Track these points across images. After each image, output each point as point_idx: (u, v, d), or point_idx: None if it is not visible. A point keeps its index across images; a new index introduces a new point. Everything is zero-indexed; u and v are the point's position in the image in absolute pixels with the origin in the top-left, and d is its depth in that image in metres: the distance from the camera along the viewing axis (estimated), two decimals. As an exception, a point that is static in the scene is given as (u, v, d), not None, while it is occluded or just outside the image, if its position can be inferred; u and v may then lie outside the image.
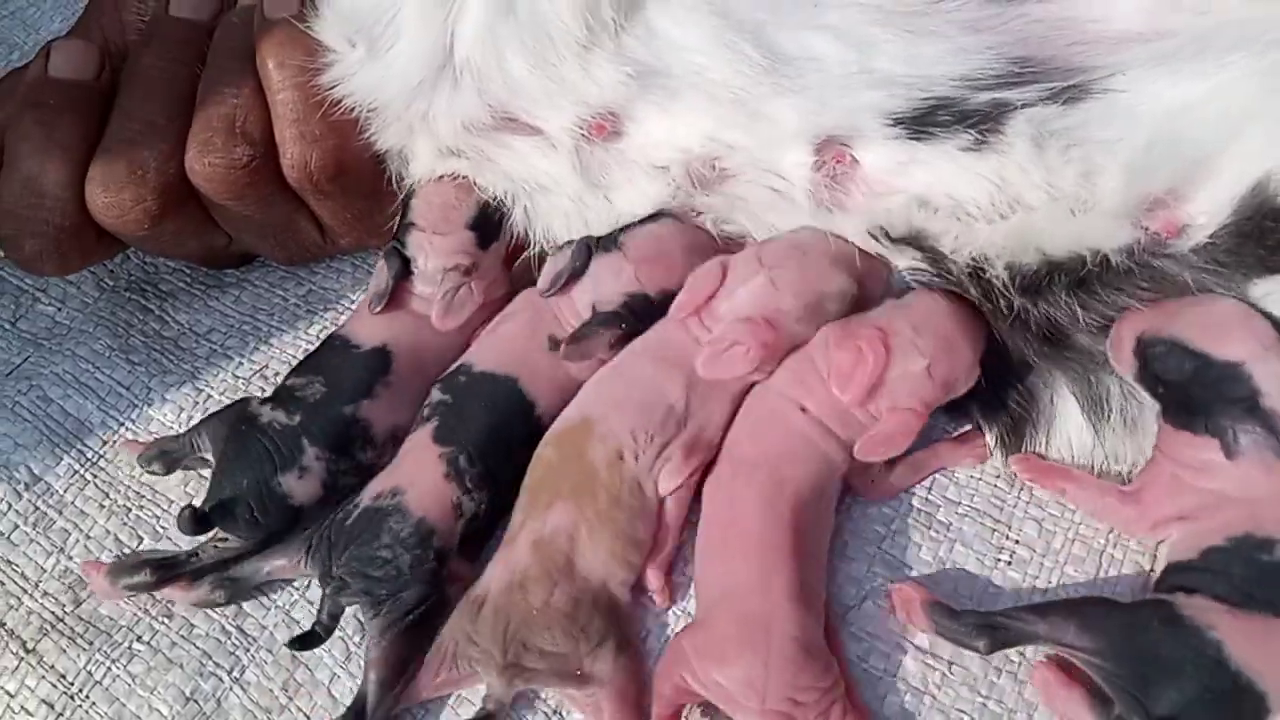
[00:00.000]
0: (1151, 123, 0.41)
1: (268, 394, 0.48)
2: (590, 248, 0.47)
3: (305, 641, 0.42)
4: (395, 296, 0.48)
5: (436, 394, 0.46)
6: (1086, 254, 0.42)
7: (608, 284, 0.47)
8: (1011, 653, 0.41)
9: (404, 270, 0.48)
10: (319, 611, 0.43)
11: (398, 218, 0.50)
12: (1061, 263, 0.43)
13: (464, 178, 0.48)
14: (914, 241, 0.45)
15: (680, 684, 0.39)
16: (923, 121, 0.43)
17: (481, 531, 0.45)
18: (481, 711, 0.41)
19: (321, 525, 0.44)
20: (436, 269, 0.48)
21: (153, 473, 0.48)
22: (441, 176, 0.48)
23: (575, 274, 0.47)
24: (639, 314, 0.47)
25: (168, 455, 0.47)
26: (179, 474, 0.49)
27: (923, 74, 0.43)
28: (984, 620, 0.39)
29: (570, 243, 0.48)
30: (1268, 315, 0.41)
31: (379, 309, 0.48)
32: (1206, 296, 0.42)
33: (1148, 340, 0.42)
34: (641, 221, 0.48)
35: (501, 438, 0.45)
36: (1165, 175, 0.41)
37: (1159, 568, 0.41)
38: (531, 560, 0.42)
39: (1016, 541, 0.44)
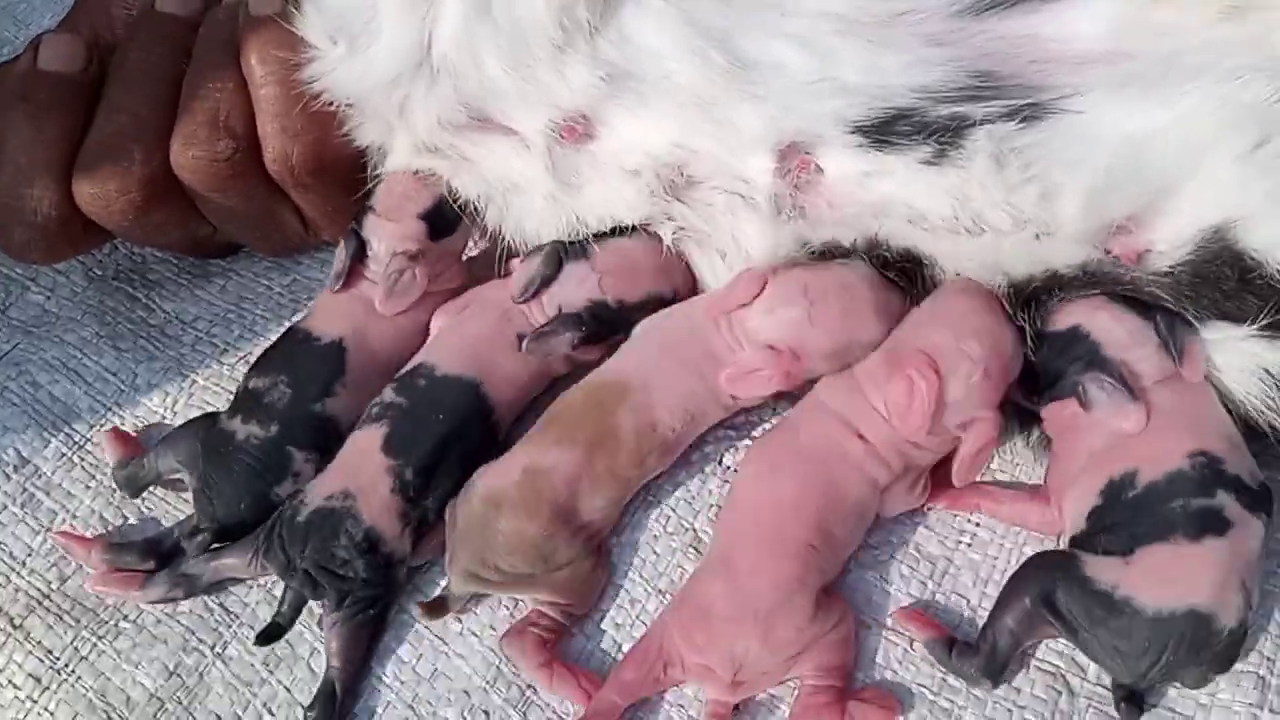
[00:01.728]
0: (1111, 147, 0.41)
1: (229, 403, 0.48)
2: (561, 255, 0.48)
3: (269, 636, 0.43)
4: (352, 279, 0.49)
5: (390, 394, 0.46)
6: (1040, 272, 0.43)
7: (573, 289, 0.48)
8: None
9: (360, 251, 0.49)
10: (279, 604, 0.44)
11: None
12: (1018, 281, 0.44)
13: (438, 176, 0.49)
14: (873, 252, 0.46)
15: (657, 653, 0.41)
16: (883, 131, 0.43)
17: (432, 523, 0.46)
18: (439, 596, 0.44)
19: (270, 524, 0.44)
20: (386, 253, 0.49)
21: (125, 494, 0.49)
22: (417, 171, 0.49)
23: (546, 281, 0.48)
24: (601, 320, 0.48)
25: (134, 481, 0.48)
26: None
27: (884, 84, 0.44)
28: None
29: (540, 248, 0.48)
30: (1224, 362, 0.42)
31: (337, 288, 0.49)
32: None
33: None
34: (614, 233, 0.48)
35: (453, 446, 0.45)
36: (1126, 200, 0.42)
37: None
38: (518, 484, 0.43)
39: (977, 524, 0.45)
